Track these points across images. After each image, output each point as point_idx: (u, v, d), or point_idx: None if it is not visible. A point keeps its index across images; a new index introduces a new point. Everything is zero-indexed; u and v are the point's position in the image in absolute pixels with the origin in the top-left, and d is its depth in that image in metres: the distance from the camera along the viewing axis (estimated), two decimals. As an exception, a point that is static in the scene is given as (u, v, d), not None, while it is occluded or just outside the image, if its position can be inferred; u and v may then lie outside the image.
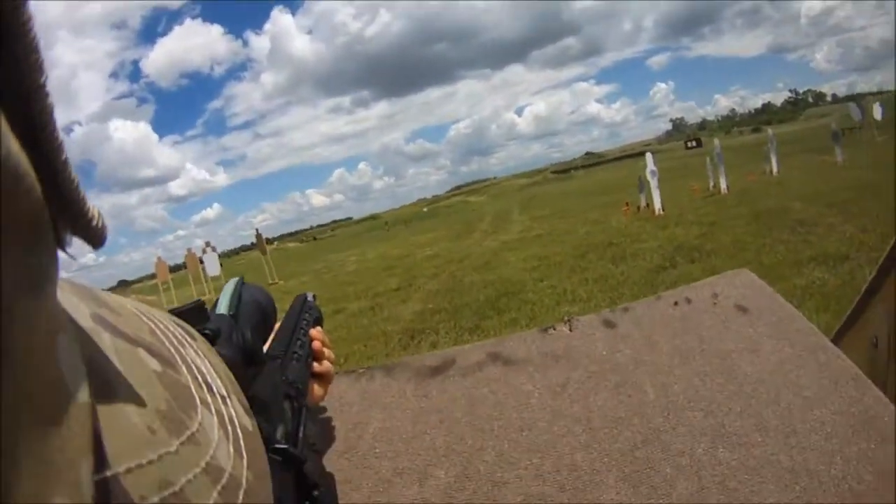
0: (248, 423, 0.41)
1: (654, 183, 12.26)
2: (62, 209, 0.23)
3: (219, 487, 0.30)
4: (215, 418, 0.35)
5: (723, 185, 13.95)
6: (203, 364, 0.41)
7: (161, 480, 0.26)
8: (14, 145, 0.18)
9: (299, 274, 15.46)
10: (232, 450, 0.34)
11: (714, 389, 0.99)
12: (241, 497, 0.32)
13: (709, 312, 1.17)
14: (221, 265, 15.26)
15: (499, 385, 0.96)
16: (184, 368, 0.36)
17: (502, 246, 12.37)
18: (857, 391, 1.02)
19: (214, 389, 0.39)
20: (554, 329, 1.19)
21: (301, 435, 0.56)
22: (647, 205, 12.70)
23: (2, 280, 0.18)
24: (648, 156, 12.56)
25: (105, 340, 0.30)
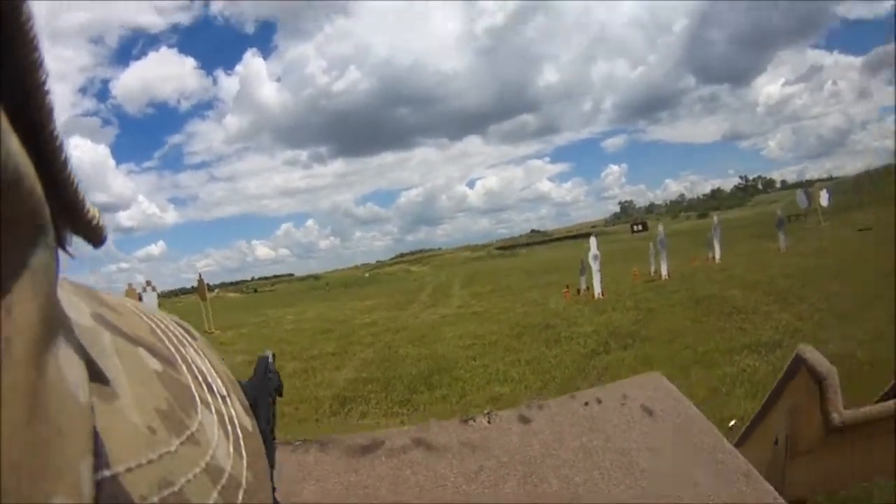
0: (248, 423, 0.43)
1: (595, 267, 12.57)
2: (62, 208, 0.24)
3: (219, 487, 0.32)
4: (215, 418, 0.37)
5: (664, 270, 14.31)
6: (203, 364, 0.42)
7: (161, 480, 0.27)
8: (15, 144, 0.19)
9: (237, 326, 15.53)
10: (232, 450, 0.36)
11: (612, 483, 1.11)
12: (240, 497, 0.34)
13: (616, 413, 1.29)
14: (159, 305, 15.12)
15: (420, 468, 1.04)
16: (184, 368, 0.38)
17: (440, 320, 12.49)
18: (747, 486, 1.12)
19: (215, 389, 0.40)
20: (474, 420, 1.30)
21: None
22: (588, 288, 12.96)
23: (2, 278, 0.20)
24: (592, 240, 12.90)
25: (105, 339, 0.32)
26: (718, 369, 6.03)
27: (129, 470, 0.25)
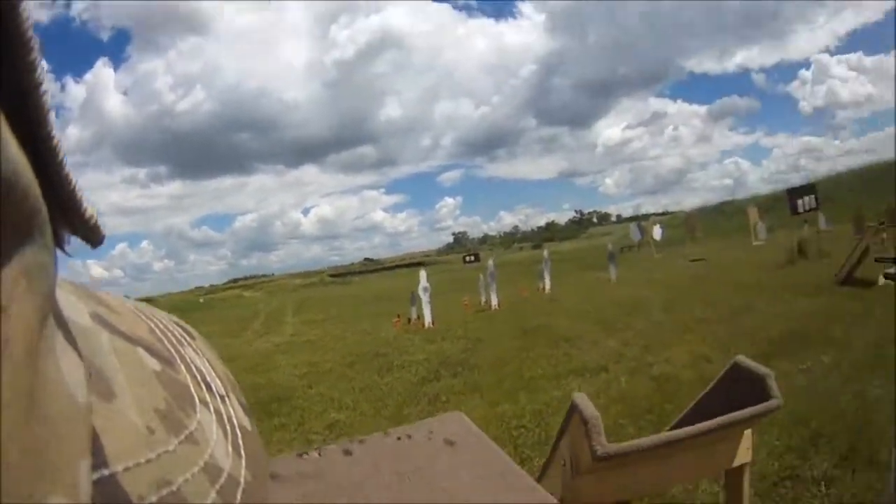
0: (247, 422, 0.42)
1: (425, 299, 12.80)
2: (60, 208, 0.24)
3: (217, 487, 0.32)
4: (214, 417, 0.37)
5: (494, 301, 14.62)
6: (202, 363, 0.43)
7: (159, 479, 0.27)
8: (12, 144, 0.19)
9: None
10: (231, 449, 0.36)
11: (419, 498, 1.24)
12: (239, 496, 0.33)
13: (424, 445, 1.45)
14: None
15: (269, 494, 1.14)
16: (182, 367, 0.38)
17: (274, 348, 12.43)
18: (532, 496, 1.27)
19: (213, 388, 0.40)
20: (307, 454, 1.44)
21: None
22: (419, 317, 13.14)
23: (0, 278, 0.19)
24: (422, 272, 13.13)
25: (103, 339, 0.32)
26: (545, 393, 6.28)
27: (127, 469, 0.26)
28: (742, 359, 2.24)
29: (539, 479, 2.16)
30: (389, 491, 1.29)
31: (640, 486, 2.07)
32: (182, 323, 0.50)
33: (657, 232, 24.29)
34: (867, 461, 3.65)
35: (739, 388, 2.18)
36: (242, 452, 0.37)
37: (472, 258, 29.80)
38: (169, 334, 0.41)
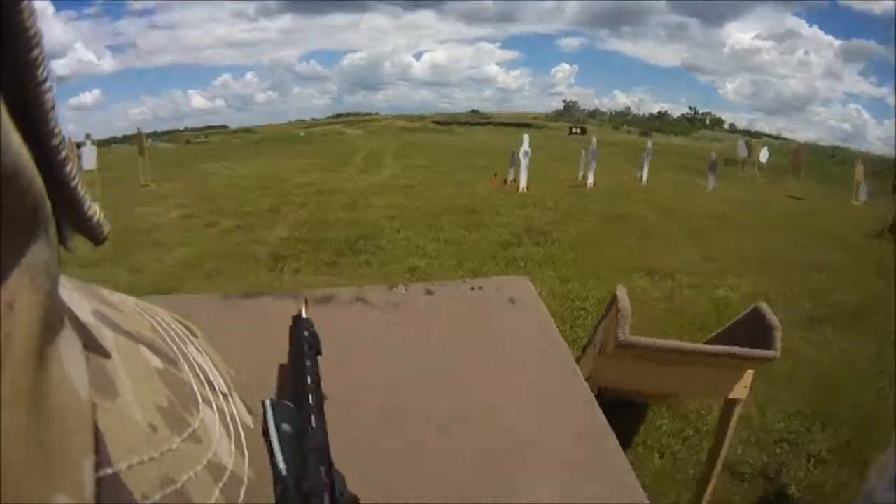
0: (250, 420, 0.43)
1: (524, 163, 12.79)
2: (63, 205, 0.25)
3: (220, 485, 0.32)
4: (217, 416, 0.37)
5: (590, 179, 14.56)
6: (205, 361, 0.43)
7: (163, 478, 0.28)
8: (16, 139, 0.19)
9: (172, 179, 14.91)
10: (233, 447, 0.37)
11: (471, 343, 1.58)
12: (242, 494, 0.34)
13: (492, 298, 1.80)
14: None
15: (362, 316, 1.43)
16: (185, 366, 0.39)
17: (370, 188, 12.59)
18: (563, 371, 1.61)
19: (216, 387, 0.41)
20: (396, 288, 1.80)
21: None
22: (514, 179, 13.14)
23: (3, 274, 0.19)
24: (525, 136, 13.04)
25: (107, 337, 0.32)
26: (612, 283, 6.34)
27: (130, 468, 0.26)
28: (762, 306, 2.60)
29: (578, 359, 2.61)
30: (452, 329, 1.65)
31: (652, 381, 2.54)
32: (184, 321, 0.51)
33: (764, 154, 22.94)
34: (856, 461, 3.76)
35: (753, 331, 2.53)
36: (245, 451, 0.38)
37: (579, 130, 29.00)
38: (171, 332, 0.43)
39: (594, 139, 14.90)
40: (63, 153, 0.23)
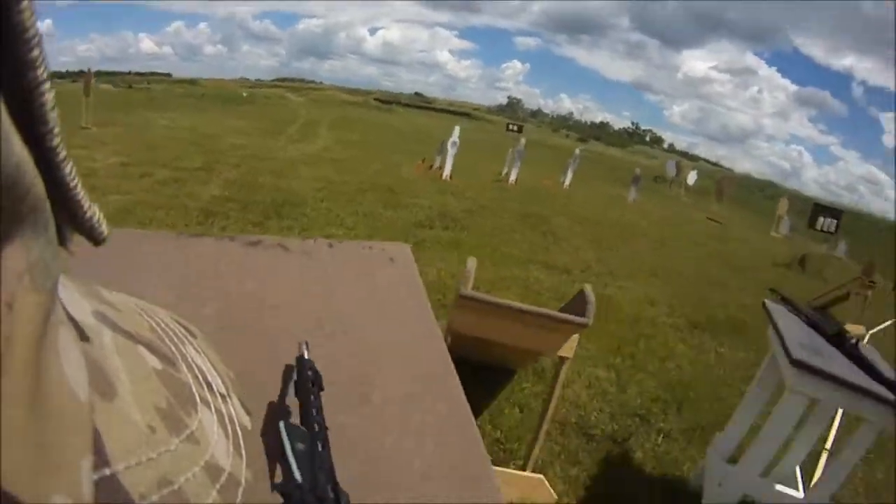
0: (248, 422, 0.44)
1: (451, 152, 13.19)
2: (62, 206, 0.24)
3: (218, 486, 0.33)
4: (215, 417, 0.38)
5: (513, 177, 15.04)
6: (203, 362, 0.45)
7: (160, 478, 0.28)
8: (16, 141, 0.19)
9: (112, 124, 14.71)
10: (231, 448, 0.37)
11: (348, 291, 1.46)
12: (239, 496, 0.35)
13: (377, 256, 1.93)
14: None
15: (283, 258, 1.32)
16: (184, 366, 0.40)
17: (302, 157, 12.87)
18: (421, 321, 1.83)
19: (214, 388, 0.43)
20: (308, 240, 2.03)
21: None
22: (440, 167, 13.48)
23: (3, 274, 0.19)
24: (456, 128, 13.38)
25: (106, 337, 0.33)
26: (507, 271, 7.07)
27: (128, 468, 0.27)
28: (586, 288, 3.18)
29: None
30: (343, 276, 1.53)
31: (492, 332, 3.02)
32: (183, 321, 0.52)
33: (692, 177, 23.48)
34: (704, 443, 3.97)
35: (579, 306, 3.07)
36: (243, 452, 0.39)
37: (516, 128, 29.22)
38: (170, 332, 0.45)
39: (522, 140, 15.31)
40: (63, 154, 0.24)
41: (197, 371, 0.42)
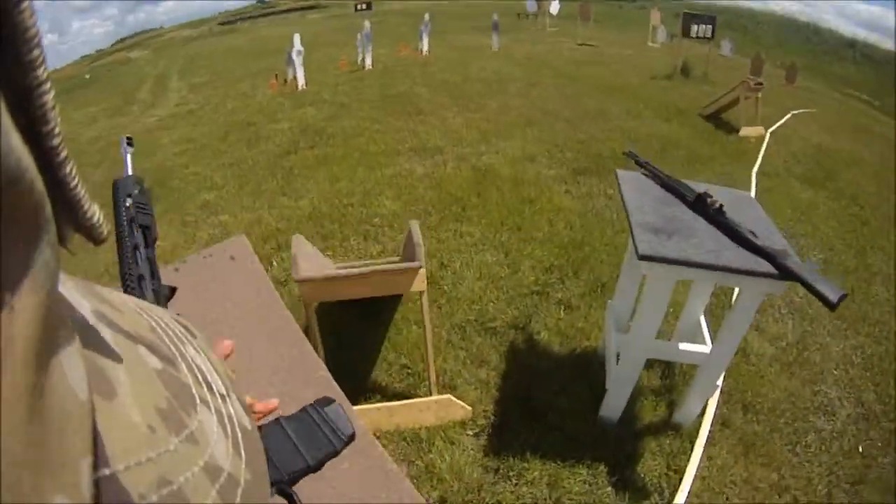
0: (248, 422, 0.44)
1: (298, 61, 12.97)
2: (63, 206, 0.25)
3: (217, 486, 0.33)
4: (214, 417, 0.38)
5: (367, 62, 14.81)
6: (203, 362, 0.45)
7: (160, 479, 0.28)
8: (16, 140, 0.19)
9: None
10: (231, 449, 0.37)
11: (201, 299, 1.88)
12: (238, 496, 0.35)
13: (219, 260, 2.18)
14: None
15: None
16: (183, 366, 0.40)
17: (158, 124, 12.52)
18: (270, 305, 1.96)
19: (214, 388, 0.42)
20: (171, 266, 2.19)
21: None
22: (294, 78, 13.28)
23: (3, 274, 0.19)
24: (296, 37, 12.99)
25: (106, 337, 0.32)
26: (379, 171, 7.11)
27: (128, 468, 0.27)
28: (413, 226, 3.21)
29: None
30: (194, 289, 1.92)
31: (344, 293, 3.10)
32: (184, 321, 0.52)
33: (554, 6, 22.99)
34: (603, 304, 4.08)
35: (410, 245, 3.14)
36: (242, 452, 0.39)
37: (364, 6, 28.61)
38: (170, 332, 0.44)
39: (366, 23, 14.94)
40: (64, 153, 0.25)
41: (197, 371, 0.42)
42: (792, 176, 7.39)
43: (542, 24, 24.72)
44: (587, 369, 3.65)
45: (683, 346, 3.03)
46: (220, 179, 7.75)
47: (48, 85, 0.22)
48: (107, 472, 0.26)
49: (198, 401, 0.38)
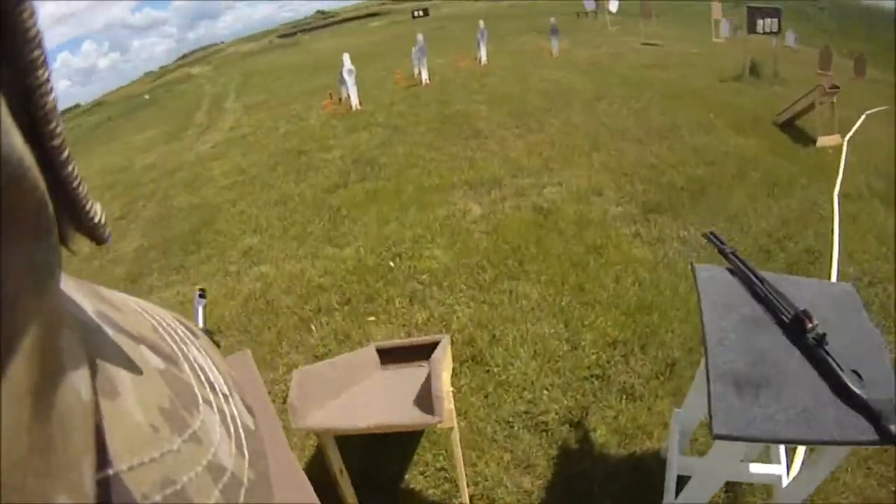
0: (251, 421, 0.44)
1: (350, 81, 12.67)
2: (65, 206, 0.25)
3: (220, 486, 0.33)
4: (217, 416, 0.38)
5: (424, 76, 14.44)
6: (205, 362, 0.44)
7: (163, 479, 0.28)
8: (18, 140, 0.19)
9: None
10: (234, 448, 0.37)
11: None
12: (242, 496, 0.35)
13: None
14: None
15: None
16: (186, 366, 0.40)
17: (210, 151, 12.37)
18: (272, 433, 1.73)
19: (217, 387, 0.42)
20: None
21: None
22: (348, 96, 13.00)
23: (5, 274, 0.19)
24: (345, 56, 12.69)
25: (108, 337, 0.33)
26: (431, 212, 6.65)
27: (131, 468, 0.27)
28: (436, 363, 2.76)
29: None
30: None
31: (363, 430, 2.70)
32: (186, 321, 0.50)
33: (613, 4, 22.38)
34: (674, 391, 3.65)
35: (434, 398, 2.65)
36: (246, 452, 0.39)
37: (421, 13, 28.59)
38: (172, 332, 0.43)
39: (419, 36, 14.66)
40: (66, 153, 0.24)
41: (199, 371, 0.41)
42: (875, 196, 6.46)
43: (603, 23, 24.20)
44: (646, 476, 3.12)
45: (759, 468, 2.58)
46: (265, 220, 7.43)
47: (50, 85, 0.22)
48: (110, 472, 0.26)
49: (200, 400, 0.38)
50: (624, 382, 3.79)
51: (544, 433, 3.49)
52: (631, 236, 5.70)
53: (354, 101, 12.85)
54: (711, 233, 2.57)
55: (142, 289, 6.41)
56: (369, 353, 3.34)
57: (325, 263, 5.89)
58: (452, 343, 3.70)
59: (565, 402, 3.70)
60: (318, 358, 4.31)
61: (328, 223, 6.90)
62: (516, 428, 3.54)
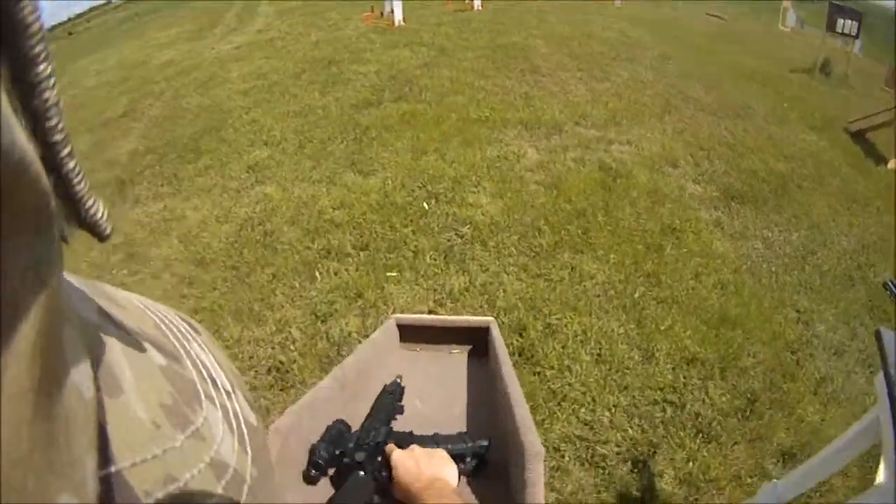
0: (254, 418, 0.42)
1: None
2: (66, 201, 0.24)
3: (223, 482, 0.32)
4: (220, 413, 0.37)
5: (477, 2, 13.64)
6: (207, 359, 0.42)
7: (166, 475, 0.28)
8: (20, 135, 0.19)
9: None
10: (237, 445, 0.36)
11: None
12: (245, 492, 0.34)
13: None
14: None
15: None
16: (188, 363, 0.38)
17: (232, 54, 11.41)
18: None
19: (219, 384, 0.40)
20: None
21: None
22: (391, 11, 12.09)
23: (7, 270, 0.19)
24: None
25: (111, 334, 0.31)
26: (478, 150, 5.72)
27: (133, 465, 0.27)
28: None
29: None
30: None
31: None
32: (188, 318, 0.47)
33: None
34: (757, 435, 3.04)
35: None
36: (248, 448, 0.38)
37: None
38: (175, 329, 0.41)
39: None
40: (68, 149, 0.23)
41: (202, 367, 0.41)
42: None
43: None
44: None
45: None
46: (279, 132, 6.58)
47: (52, 81, 0.22)
48: (113, 469, 0.27)
49: (203, 397, 0.37)
50: (699, 415, 3.09)
51: (600, 469, 2.80)
52: (711, 224, 4.93)
53: (398, 16, 11.90)
54: (892, 283, 2.04)
55: (126, 199, 5.64)
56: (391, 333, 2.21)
57: (342, 193, 5.02)
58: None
59: (630, 431, 2.98)
60: (318, 318, 3.62)
61: (353, 144, 6.03)
62: (567, 458, 2.84)
